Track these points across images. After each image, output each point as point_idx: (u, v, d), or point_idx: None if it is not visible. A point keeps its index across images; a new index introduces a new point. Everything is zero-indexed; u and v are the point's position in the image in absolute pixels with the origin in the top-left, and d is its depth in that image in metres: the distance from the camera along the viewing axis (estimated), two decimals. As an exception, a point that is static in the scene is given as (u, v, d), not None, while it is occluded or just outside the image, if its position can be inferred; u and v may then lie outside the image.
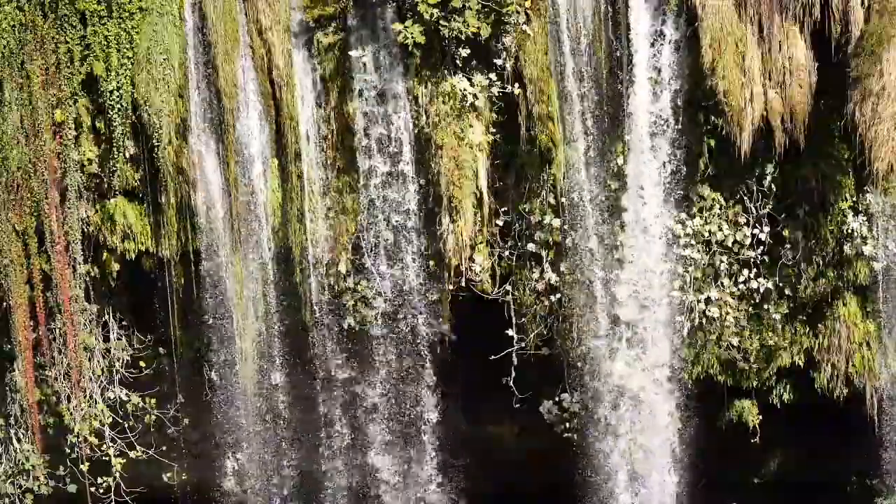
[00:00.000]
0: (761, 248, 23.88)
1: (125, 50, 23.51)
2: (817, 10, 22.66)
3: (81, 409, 24.89)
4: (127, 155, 23.95)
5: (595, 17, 23.08)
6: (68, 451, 25.20)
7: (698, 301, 24.03)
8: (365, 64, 23.21)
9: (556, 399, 24.84)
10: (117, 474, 25.34)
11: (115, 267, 24.69)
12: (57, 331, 24.62)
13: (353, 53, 23.19)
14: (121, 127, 23.72)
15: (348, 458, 25.18)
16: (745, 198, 23.75)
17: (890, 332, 23.85)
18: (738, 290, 24.07)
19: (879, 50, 22.37)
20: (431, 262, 23.94)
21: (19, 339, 24.53)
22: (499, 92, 23.30)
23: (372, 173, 23.69)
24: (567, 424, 24.85)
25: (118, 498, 25.42)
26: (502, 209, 24.07)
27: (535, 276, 24.18)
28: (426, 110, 23.22)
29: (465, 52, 22.92)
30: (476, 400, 25.16)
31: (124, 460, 25.37)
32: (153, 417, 25.55)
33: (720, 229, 23.78)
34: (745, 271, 23.99)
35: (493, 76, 23.23)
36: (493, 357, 24.51)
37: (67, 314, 24.45)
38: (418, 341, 24.35)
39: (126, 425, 25.35)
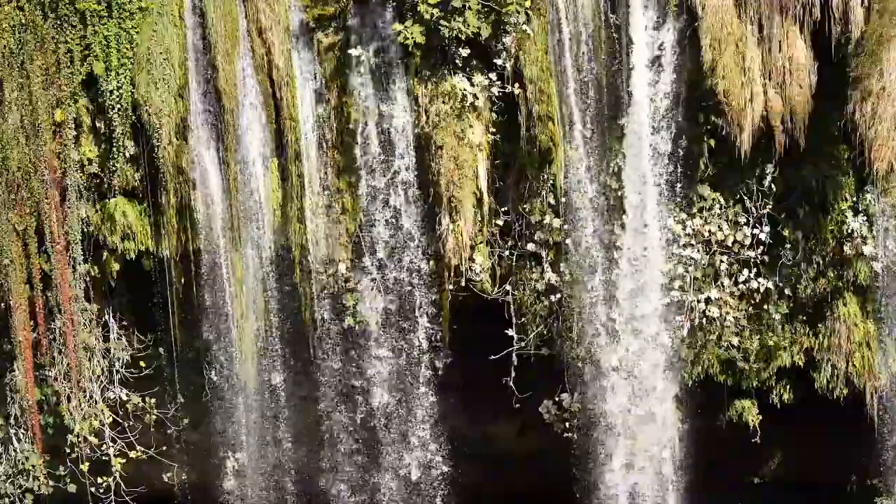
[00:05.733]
0: (761, 248, 23.89)
1: (125, 50, 23.52)
2: (817, 10, 22.66)
3: (81, 409, 24.89)
4: (127, 155, 23.96)
5: (595, 17, 23.09)
6: (68, 451, 25.20)
7: (698, 301, 24.04)
8: (365, 64, 23.22)
9: (556, 399, 24.84)
10: (117, 474, 25.35)
11: (115, 267, 24.69)
12: (57, 331, 24.63)
13: (353, 53, 23.19)
14: (121, 127, 23.73)
15: (348, 458, 25.18)
16: (745, 198, 23.76)
17: (890, 332, 23.86)
18: (738, 290, 24.08)
19: (879, 50, 22.38)
20: (431, 262, 23.94)
21: (19, 339, 24.53)
22: (499, 92, 23.31)
23: (372, 173, 23.69)
24: (567, 424, 24.85)
25: (118, 498, 25.42)
26: (502, 209, 24.07)
27: (535, 276, 24.19)
28: (426, 110, 23.22)
29: (465, 52, 22.92)
30: (476, 400, 25.16)
31: (124, 460, 25.38)
32: (153, 417, 25.56)
33: (720, 229, 23.79)
34: (745, 271, 24.00)
35: (493, 76, 23.23)
36: (493, 357, 24.51)
37: (67, 314, 24.45)
38: (418, 341, 24.34)
39: (126, 425, 25.36)
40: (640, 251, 23.75)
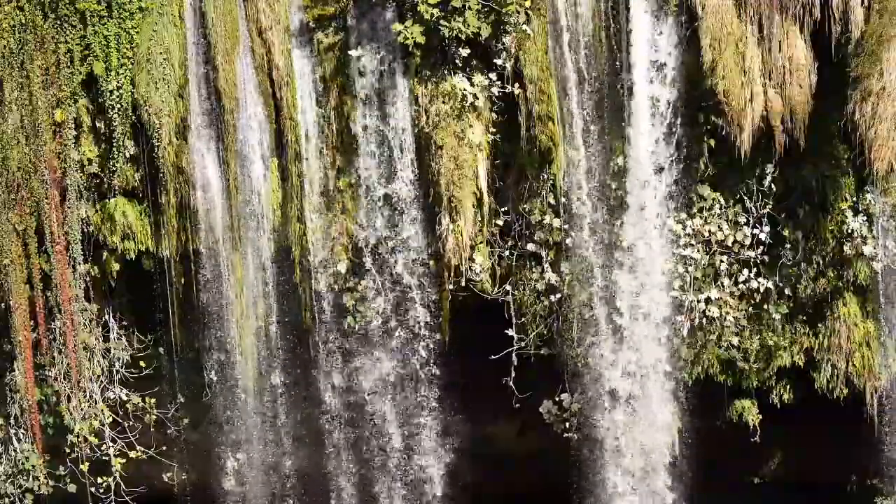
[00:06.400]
0: (761, 248, 23.88)
1: (125, 50, 23.52)
2: (817, 10, 22.67)
3: (81, 409, 24.89)
4: (127, 155, 23.96)
5: (595, 17, 23.09)
6: (68, 451, 25.20)
7: (698, 301, 24.03)
8: (365, 64, 23.22)
9: (556, 399, 24.84)
10: (117, 474, 25.34)
11: (115, 267, 24.69)
12: (57, 331, 24.62)
13: (353, 53, 23.20)
14: (121, 127, 23.73)
15: (348, 458, 25.18)
16: (745, 198, 23.76)
17: (890, 332, 23.85)
18: (738, 289, 24.08)
19: (879, 50, 22.38)
20: (431, 262, 23.94)
21: (19, 339, 24.53)
22: (499, 92, 23.31)
23: (372, 173, 23.69)
24: (567, 424, 24.85)
25: (118, 498, 25.42)
26: (502, 209, 24.07)
27: (535, 276, 24.19)
28: (426, 110, 23.22)
29: (465, 52, 22.92)
30: (476, 400, 25.15)
31: (124, 460, 25.38)
32: (153, 417, 25.56)
33: (720, 229, 23.78)
34: (745, 271, 24.00)
35: (493, 76, 23.23)
36: (493, 357, 24.51)
37: (67, 314, 24.45)
38: (418, 341, 24.34)
39: (126, 425, 25.35)
40: (640, 251, 23.74)
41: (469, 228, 23.57)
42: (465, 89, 23.04)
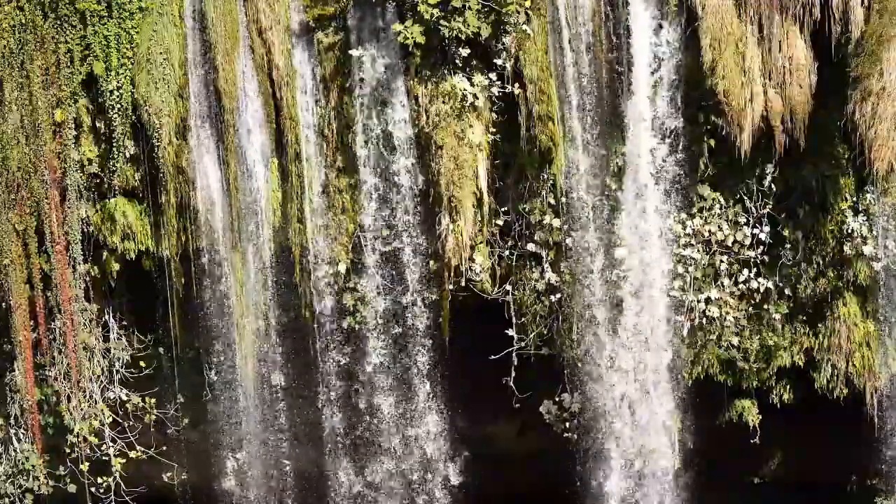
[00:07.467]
0: (761, 248, 23.89)
1: (125, 50, 23.53)
2: (817, 10, 22.67)
3: (81, 409, 24.90)
4: (127, 155, 23.97)
5: (595, 17, 23.08)
6: (68, 451, 25.20)
7: (698, 301, 24.04)
8: (365, 63, 23.22)
9: (556, 399, 24.84)
10: (117, 474, 25.35)
11: (115, 267, 24.70)
12: (57, 331, 24.63)
13: (353, 53, 23.20)
14: (121, 127, 23.73)
15: (348, 458, 25.18)
16: (745, 198, 23.76)
17: (890, 332, 23.85)
18: (738, 289, 24.08)
19: (879, 50, 22.38)
20: (431, 262, 23.95)
21: (19, 339, 24.53)
22: (499, 92, 23.31)
23: (372, 173, 23.69)
24: (567, 424, 24.85)
25: (118, 498, 25.43)
26: (502, 209, 24.07)
27: (535, 276, 24.19)
28: (426, 110, 23.22)
29: (465, 52, 22.92)
30: (476, 400, 25.16)
31: (124, 460, 25.38)
32: (153, 417, 25.56)
33: (720, 229, 23.79)
34: (745, 271, 24.00)
35: (493, 76, 23.23)
36: (493, 357, 24.51)
37: (67, 314, 24.46)
38: (418, 341, 24.34)
39: (126, 425, 25.36)
40: (640, 250, 23.75)
41: (469, 228, 23.57)
42: (465, 89, 23.04)
